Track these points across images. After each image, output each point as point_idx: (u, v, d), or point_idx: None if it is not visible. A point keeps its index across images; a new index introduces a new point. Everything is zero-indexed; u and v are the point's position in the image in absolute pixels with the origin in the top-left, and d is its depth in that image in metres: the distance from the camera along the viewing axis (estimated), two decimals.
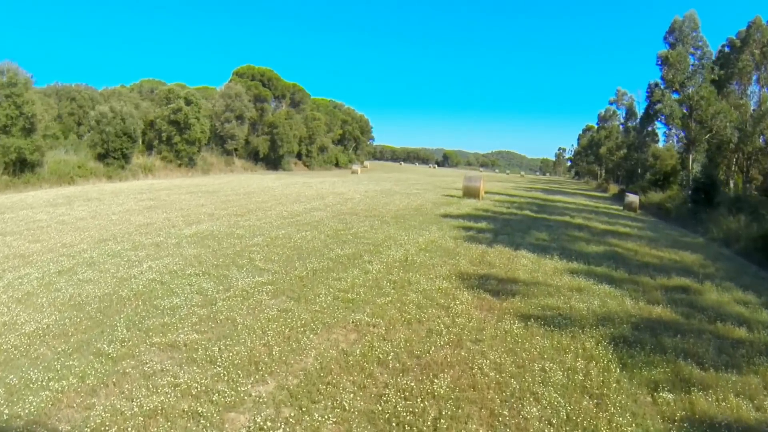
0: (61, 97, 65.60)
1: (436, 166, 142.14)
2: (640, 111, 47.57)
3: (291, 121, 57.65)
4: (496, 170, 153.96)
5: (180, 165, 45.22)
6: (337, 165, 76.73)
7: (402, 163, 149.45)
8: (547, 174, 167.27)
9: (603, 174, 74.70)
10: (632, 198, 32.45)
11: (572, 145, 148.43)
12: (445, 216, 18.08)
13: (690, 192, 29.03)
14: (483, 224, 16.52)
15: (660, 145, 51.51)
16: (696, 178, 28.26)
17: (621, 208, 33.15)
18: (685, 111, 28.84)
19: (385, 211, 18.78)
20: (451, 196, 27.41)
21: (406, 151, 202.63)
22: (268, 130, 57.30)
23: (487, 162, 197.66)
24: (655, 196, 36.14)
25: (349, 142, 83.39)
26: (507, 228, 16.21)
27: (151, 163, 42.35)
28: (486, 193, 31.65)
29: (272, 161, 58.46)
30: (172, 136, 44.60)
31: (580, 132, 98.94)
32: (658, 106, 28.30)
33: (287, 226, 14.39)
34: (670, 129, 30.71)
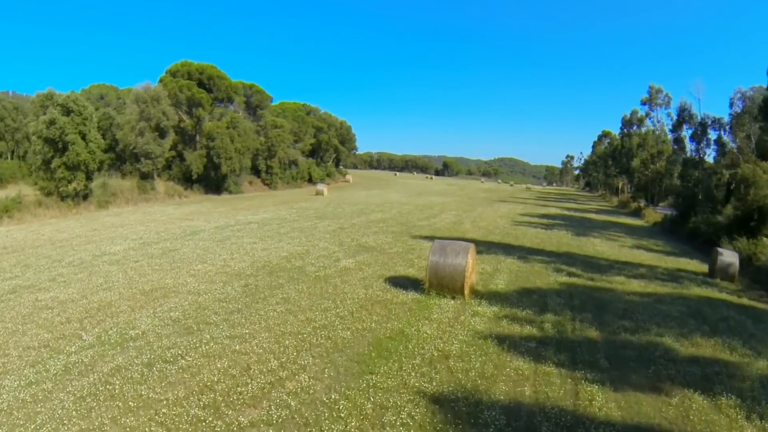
0: None
1: (432, 176, 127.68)
2: (699, 112, 33.07)
3: (234, 131, 43.55)
4: (499, 180, 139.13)
5: (64, 198, 31.51)
6: (310, 181, 62.68)
7: (397, 173, 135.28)
8: (554, 184, 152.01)
9: (629, 189, 60.02)
10: (730, 258, 18.13)
11: (581, 153, 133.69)
12: None
13: None
14: None
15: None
16: None
17: (706, 270, 19.00)
18: None
19: None
20: (406, 285, 13.11)
21: (405, 159, 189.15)
22: (206, 144, 43.33)
23: (490, 171, 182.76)
24: (757, 247, 21.64)
25: (327, 153, 69.20)
26: None
27: (10, 203, 28.29)
28: (479, 254, 17.39)
29: (213, 182, 44.44)
30: (49, 160, 31.07)
31: (595, 139, 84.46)
32: None
33: None
34: None
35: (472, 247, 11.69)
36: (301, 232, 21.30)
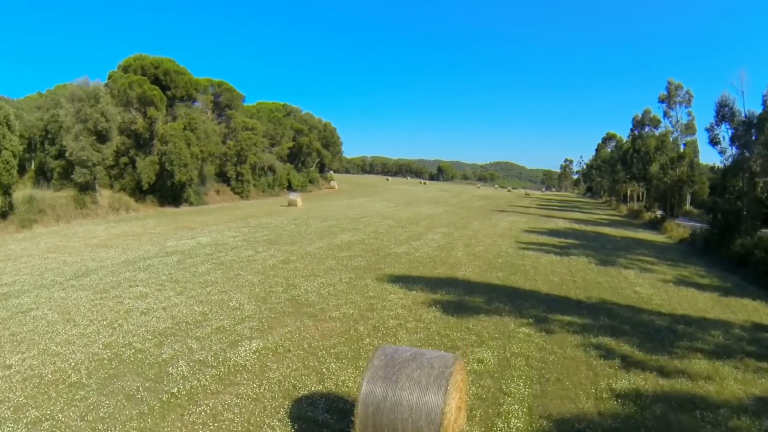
0: None
1: (426, 181, 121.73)
2: (743, 108, 27.11)
3: (192, 134, 37.41)
4: (496, 185, 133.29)
5: None
6: (290, 188, 56.47)
7: (390, 178, 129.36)
8: (553, 189, 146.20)
9: (640, 197, 54.18)
10: None
11: (581, 157, 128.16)
12: None
13: None
14: None
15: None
16: None
17: None
18: None
19: None
20: (327, 427, 7.12)
21: (399, 164, 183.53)
22: (160, 149, 37.19)
23: (486, 175, 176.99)
24: None
25: (309, 158, 63.08)
26: None
27: None
28: (475, 315, 11.42)
29: (169, 193, 38.24)
30: None
31: (599, 142, 78.82)
32: None
33: None
34: None
35: (456, 367, 5.56)
36: (227, 270, 15.14)
